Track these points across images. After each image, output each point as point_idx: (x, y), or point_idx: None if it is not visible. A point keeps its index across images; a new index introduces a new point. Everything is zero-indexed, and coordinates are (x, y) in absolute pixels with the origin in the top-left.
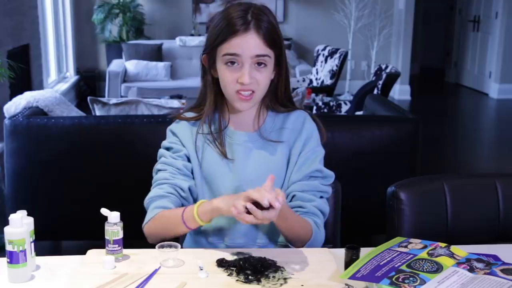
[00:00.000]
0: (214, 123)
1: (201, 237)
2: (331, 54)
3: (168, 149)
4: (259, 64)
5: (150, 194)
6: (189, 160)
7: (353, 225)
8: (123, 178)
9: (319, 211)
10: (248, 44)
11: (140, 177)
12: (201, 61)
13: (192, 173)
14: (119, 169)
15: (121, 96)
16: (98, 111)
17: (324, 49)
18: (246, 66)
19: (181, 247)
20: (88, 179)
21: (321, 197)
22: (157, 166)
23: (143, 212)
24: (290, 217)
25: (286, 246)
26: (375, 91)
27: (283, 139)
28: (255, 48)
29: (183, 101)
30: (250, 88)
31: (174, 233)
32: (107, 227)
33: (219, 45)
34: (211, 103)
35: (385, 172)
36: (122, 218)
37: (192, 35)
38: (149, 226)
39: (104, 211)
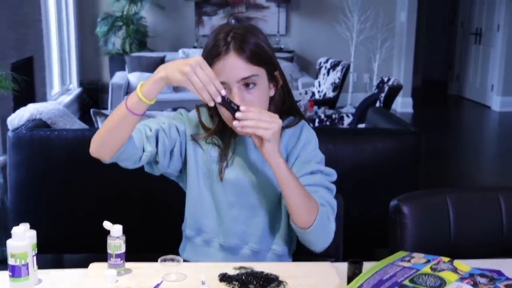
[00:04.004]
0: (223, 139)
1: (196, 237)
2: (334, 66)
3: (174, 118)
4: (247, 85)
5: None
6: (177, 148)
7: (355, 238)
8: (126, 191)
9: (326, 201)
10: (231, 67)
11: (144, 190)
12: None
13: (164, 154)
14: (122, 182)
15: None
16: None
17: (326, 62)
18: (234, 91)
19: (178, 251)
20: (91, 192)
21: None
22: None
23: (147, 225)
24: (292, 183)
25: (281, 256)
26: (377, 104)
27: (281, 145)
28: (239, 71)
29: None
30: None
31: (121, 130)
32: (109, 241)
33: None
34: (218, 123)
35: (387, 185)
36: (124, 232)
37: (195, 47)
38: (94, 136)
39: (106, 224)
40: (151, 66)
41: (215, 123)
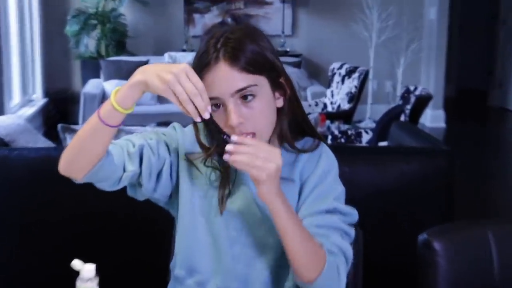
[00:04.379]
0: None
1: (188, 278)
2: (349, 73)
3: (164, 134)
4: (244, 97)
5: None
6: (166, 168)
7: (377, 280)
8: (100, 223)
9: (339, 249)
10: (222, 79)
11: (122, 222)
12: None
13: (150, 174)
14: (96, 212)
15: None
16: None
17: (340, 67)
18: (229, 106)
19: None
20: (57, 224)
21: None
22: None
23: (126, 264)
24: (293, 230)
25: None
26: (402, 118)
27: (294, 176)
28: (232, 82)
29: None
30: (245, 130)
31: (94, 144)
32: (79, 284)
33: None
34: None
35: (415, 216)
36: (98, 272)
37: (184, 50)
38: (64, 151)
39: (75, 263)
40: (131, 72)
41: (215, 142)
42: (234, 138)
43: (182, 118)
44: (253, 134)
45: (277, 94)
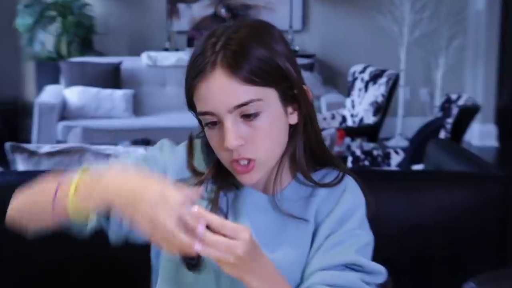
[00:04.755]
0: (221, 186)
1: None
2: (375, 78)
3: (144, 160)
4: (247, 116)
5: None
6: None
7: None
8: (61, 268)
9: None
10: (218, 91)
11: (89, 266)
12: (190, 110)
13: None
14: (55, 254)
15: (58, 142)
16: (22, 164)
17: (363, 71)
18: (226, 124)
19: None
20: (5, 271)
21: None
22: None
23: None
24: None
25: None
26: (442, 134)
27: (308, 215)
28: (231, 96)
29: None
30: (244, 155)
31: (45, 219)
32: None
33: (190, 91)
34: (215, 164)
35: (458, 260)
36: None
37: (166, 49)
38: (14, 201)
39: None
40: (100, 77)
41: (211, 164)
42: (194, 209)
43: (164, 135)
44: (252, 161)
45: (289, 109)
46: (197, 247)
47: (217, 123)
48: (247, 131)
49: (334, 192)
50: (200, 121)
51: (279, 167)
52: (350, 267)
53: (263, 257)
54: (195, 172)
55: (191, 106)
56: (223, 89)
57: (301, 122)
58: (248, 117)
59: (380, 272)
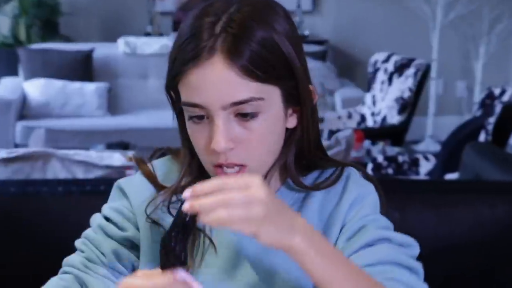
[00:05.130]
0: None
1: None
2: (401, 68)
3: (107, 219)
4: (243, 114)
5: (47, 283)
6: (133, 247)
7: None
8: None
9: None
10: (214, 83)
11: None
12: (167, 94)
13: (133, 268)
14: (13, 274)
15: (16, 146)
16: None
17: (387, 60)
18: (217, 122)
19: None
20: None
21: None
22: (78, 240)
23: None
24: (329, 272)
25: None
26: (482, 136)
27: (309, 218)
28: (228, 90)
29: (131, 153)
30: (234, 161)
31: None
32: None
33: (176, 77)
34: (186, 169)
35: (499, 282)
36: None
37: (148, 34)
38: None
39: None
40: (68, 67)
41: (185, 166)
42: (186, 193)
43: (145, 137)
44: (242, 166)
45: (290, 111)
46: (217, 214)
47: (204, 118)
48: (241, 132)
49: (335, 188)
50: (176, 111)
51: (267, 174)
52: (376, 243)
53: (291, 211)
54: (158, 186)
55: (171, 90)
56: (220, 81)
57: (299, 127)
58: (244, 116)
59: (412, 244)
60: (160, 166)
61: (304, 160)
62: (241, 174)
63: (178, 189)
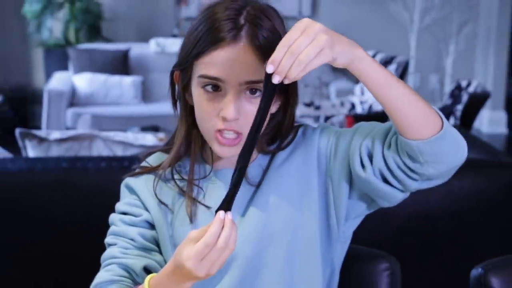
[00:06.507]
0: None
1: None
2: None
3: (123, 214)
4: (252, 91)
5: (95, 280)
6: (152, 227)
7: None
8: (69, 252)
9: None
10: (238, 62)
11: (95, 250)
12: (172, 79)
13: (158, 245)
14: (63, 239)
15: (67, 128)
16: (32, 151)
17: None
18: (231, 95)
19: None
20: (15, 254)
21: None
22: (107, 238)
23: None
24: (393, 79)
25: None
26: (452, 121)
27: (291, 171)
28: (247, 70)
29: (161, 135)
30: (235, 128)
31: None
32: None
33: (196, 58)
34: (182, 141)
35: (467, 246)
36: None
37: (174, 36)
38: None
39: None
40: (109, 64)
41: (181, 141)
42: (269, 68)
43: (170, 120)
44: (240, 134)
45: (275, 97)
46: (297, 62)
47: (218, 89)
48: (247, 108)
49: (296, 146)
50: (173, 83)
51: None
52: (357, 127)
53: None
54: (152, 168)
55: (182, 68)
56: (241, 62)
57: (280, 112)
58: (253, 93)
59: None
60: (153, 159)
61: (280, 137)
62: (239, 139)
63: (177, 157)
